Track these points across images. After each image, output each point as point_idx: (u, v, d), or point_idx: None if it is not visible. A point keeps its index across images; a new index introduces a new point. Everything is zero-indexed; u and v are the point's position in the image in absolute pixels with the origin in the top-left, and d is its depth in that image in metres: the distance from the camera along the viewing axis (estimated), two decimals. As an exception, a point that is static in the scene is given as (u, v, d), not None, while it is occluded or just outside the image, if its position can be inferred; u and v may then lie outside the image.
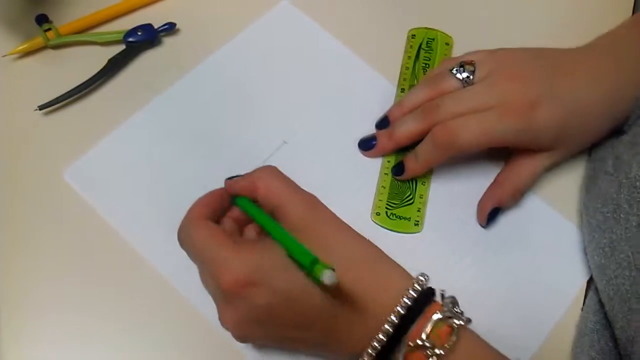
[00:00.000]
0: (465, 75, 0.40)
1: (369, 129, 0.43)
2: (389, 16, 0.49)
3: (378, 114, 0.43)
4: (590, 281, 0.40)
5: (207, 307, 0.37)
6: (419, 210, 0.41)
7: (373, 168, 0.43)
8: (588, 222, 0.39)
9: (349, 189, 0.42)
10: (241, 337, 0.32)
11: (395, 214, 0.41)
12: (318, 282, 0.28)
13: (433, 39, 0.48)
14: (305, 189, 0.34)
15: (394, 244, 0.38)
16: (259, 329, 0.31)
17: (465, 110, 0.38)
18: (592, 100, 0.38)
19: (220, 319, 0.32)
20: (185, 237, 0.33)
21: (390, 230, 0.41)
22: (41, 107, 0.43)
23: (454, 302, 0.31)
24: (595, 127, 0.40)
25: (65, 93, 0.43)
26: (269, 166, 0.35)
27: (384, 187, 0.42)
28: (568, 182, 0.43)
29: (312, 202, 0.33)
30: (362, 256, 0.32)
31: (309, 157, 0.43)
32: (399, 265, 0.33)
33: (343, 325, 0.31)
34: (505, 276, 0.39)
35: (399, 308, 0.30)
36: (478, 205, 0.41)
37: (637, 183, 0.34)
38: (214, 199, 0.35)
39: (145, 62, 0.46)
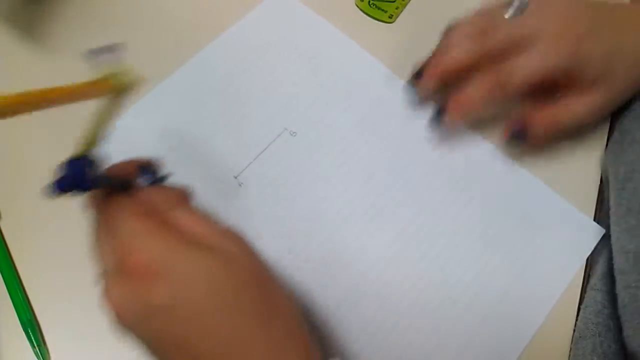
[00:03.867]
0: (516, 6, 0.39)
1: (368, 113, 0.44)
2: None
3: (377, 100, 0.44)
4: (589, 275, 0.40)
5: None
6: (397, 8, 0.48)
7: None
8: (617, 222, 0.38)
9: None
10: (120, 326, 0.27)
11: (375, 5, 0.48)
12: None
13: None
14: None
15: (369, 31, 0.48)
16: (142, 328, 0.27)
17: (518, 37, 0.39)
18: (630, 44, 0.39)
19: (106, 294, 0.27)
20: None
21: (368, 15, 0.48)
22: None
23: None
24: (637, 74, 0.40)
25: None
26: None
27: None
28: (572, 168, 0.43)
29: None
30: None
31: (310, 146, 0.43)
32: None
33: None
34: (505, 255, 0.40)
35: None
36: (507, 122, 0.41)
37: None
38: None
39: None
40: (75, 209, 0.39)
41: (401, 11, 0.49)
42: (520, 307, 0.38)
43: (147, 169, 0.31)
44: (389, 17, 0.48)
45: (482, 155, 0.43)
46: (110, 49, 0.28)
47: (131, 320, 0.27)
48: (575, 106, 0.40)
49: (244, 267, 0.28)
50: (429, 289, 0.39)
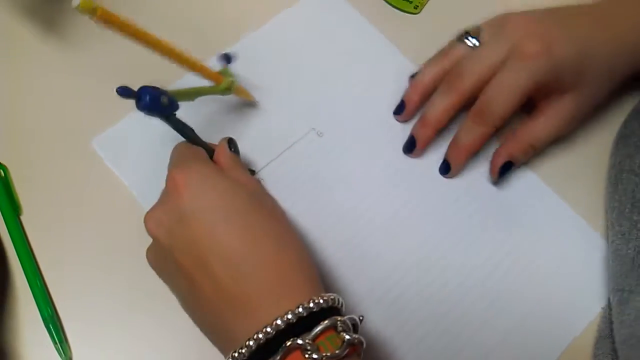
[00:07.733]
0: (473, 40, 0.40)
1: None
2: None
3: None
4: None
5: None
6: (421, -2, 0.47)
7: None
8: (611, 226, 0.38)
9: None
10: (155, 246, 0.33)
11: (400, -6, 0.47)
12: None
13: None
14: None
15: (395, 22, 0.47)
16: (176, 240, 0.30)
17: (486, 69, 0.38)
18: (601, 42, 0.38)
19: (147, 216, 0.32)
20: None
21: (393, 6, 0.47)
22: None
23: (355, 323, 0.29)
24: (610, 68, 0.39)
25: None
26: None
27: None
28: (591, 186, 0.42)
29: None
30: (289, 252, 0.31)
31: (337, 147, 0.42)
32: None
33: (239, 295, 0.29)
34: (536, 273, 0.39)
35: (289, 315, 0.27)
36: (491, 161, 0.41)
37: None
38: None
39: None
40: (96, 204, 0.40)
41: (427, 1, 0.47)
42: (556, 319, 0.38)
43: (230, 143, 0.37)
44: (415, 8, 0.47)
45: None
46: (228, 56, 0.41)
47: (163, 232, 0.31)
48: (548, 121, 0.40)
49: (266, 204, 0.33)
50: (451, 298, 0.38)
